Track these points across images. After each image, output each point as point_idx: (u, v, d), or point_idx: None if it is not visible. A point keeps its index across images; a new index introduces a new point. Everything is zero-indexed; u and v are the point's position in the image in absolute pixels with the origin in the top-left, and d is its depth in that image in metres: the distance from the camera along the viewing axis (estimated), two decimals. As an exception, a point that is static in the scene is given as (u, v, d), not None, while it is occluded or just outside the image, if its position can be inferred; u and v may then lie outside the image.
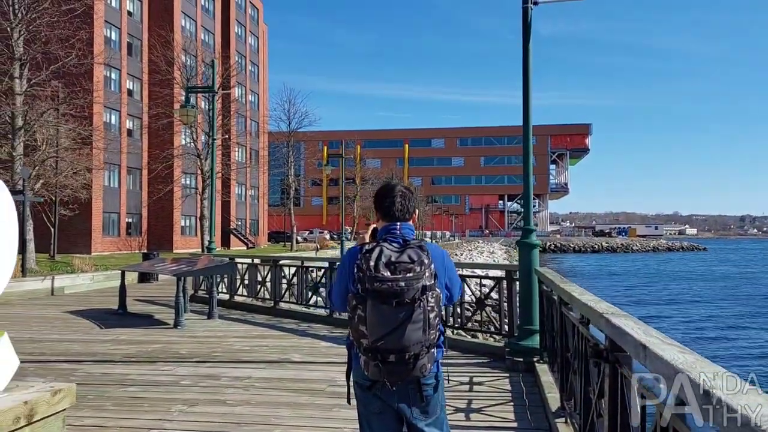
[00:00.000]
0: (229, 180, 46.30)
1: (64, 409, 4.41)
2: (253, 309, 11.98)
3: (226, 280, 13.11)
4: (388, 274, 2.32)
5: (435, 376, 2.50)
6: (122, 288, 11.83)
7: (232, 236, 51.24)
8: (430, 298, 2.34)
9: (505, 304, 7.24)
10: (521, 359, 6.23)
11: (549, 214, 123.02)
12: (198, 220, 47.89)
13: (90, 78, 27.38)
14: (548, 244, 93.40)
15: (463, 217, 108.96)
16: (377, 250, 2.40)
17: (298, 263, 11.63)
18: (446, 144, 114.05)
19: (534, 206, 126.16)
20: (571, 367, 4.11)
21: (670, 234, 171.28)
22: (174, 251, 40.90)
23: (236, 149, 48.13)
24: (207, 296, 11.52)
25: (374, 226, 2.79)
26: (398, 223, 2.57)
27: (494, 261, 46.83)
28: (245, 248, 49.34)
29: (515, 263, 7.31)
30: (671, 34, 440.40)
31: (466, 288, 8.14)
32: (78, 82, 23.04)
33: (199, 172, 32.11)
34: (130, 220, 42.67)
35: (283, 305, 11.55)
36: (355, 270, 2.41)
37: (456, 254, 50.84)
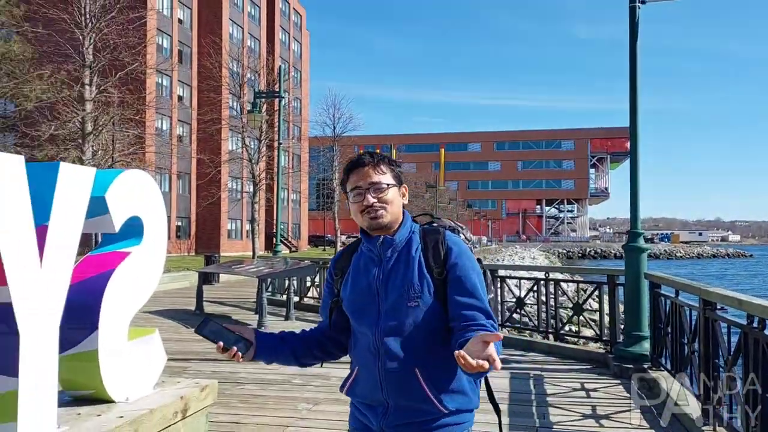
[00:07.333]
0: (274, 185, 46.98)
1: (209, 405, 4.56)
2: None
3: (295, 282, 13.30)
4: None
5: None
6: (199, 289, 12.11)
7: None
8: None
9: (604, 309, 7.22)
10: (631, 365, 6.19)
11: (588, 220, 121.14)
12: (245, 223, 48.70)
13: (143, 85, 28.14)
14: (588, 250, 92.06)
15: (500, 222, 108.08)
16: None
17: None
18: (483, 148, 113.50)
19: (572, 211, 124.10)
20: (719, 375, 4.15)
21: (713, 240, 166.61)
22: (221, 254, 41.63)
23: (281, 154, 48.65)
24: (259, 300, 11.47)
25: None
26: None
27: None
28: (288, 252, 49.92)
29: (616, 267, 7.26)
30: (714, 37, 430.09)
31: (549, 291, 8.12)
32: (136, 90, 23.71)
33: (248, 176, 32.63)
34: (180, 224, 43.63)
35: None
36: None
37: (498, 259, 50.49)
